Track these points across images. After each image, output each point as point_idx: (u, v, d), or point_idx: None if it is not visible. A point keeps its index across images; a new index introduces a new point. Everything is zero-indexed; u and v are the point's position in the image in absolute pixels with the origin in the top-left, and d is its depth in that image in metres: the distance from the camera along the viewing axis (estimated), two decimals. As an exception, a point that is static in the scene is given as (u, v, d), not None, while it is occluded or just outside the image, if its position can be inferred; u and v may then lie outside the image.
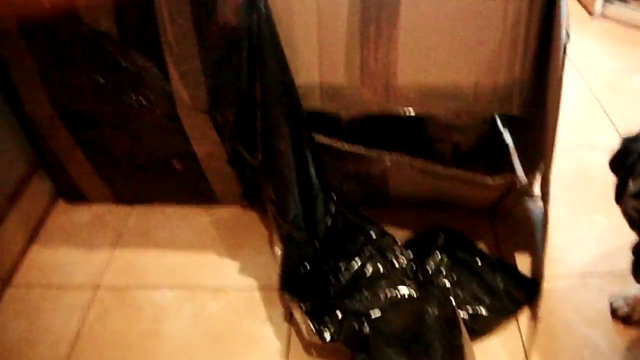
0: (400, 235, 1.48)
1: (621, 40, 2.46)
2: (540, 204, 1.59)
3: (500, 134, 1.43)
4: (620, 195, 1.01)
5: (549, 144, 1.20)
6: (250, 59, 1.23)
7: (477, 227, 1.54)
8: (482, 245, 1.48)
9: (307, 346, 1.29)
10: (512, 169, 1.34)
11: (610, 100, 2.09)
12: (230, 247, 1.53)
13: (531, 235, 1.53)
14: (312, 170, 1.29)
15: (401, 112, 1.30)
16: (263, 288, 1.42)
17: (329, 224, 1.35)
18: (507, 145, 1.44)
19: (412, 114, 1.30)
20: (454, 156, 1.42)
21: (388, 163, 1.32)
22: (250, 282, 1.44)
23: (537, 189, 1.55)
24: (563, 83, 1.16)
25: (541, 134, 1.25)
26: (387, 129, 1.39)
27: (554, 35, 1.15)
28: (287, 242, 1.25)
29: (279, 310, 1.37)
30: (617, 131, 1.94)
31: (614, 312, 1.37)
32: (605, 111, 2.04)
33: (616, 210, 1.62)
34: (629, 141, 1.00)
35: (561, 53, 1.08)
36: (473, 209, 1.48)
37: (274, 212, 1.26)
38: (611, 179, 1.76)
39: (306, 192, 1.28)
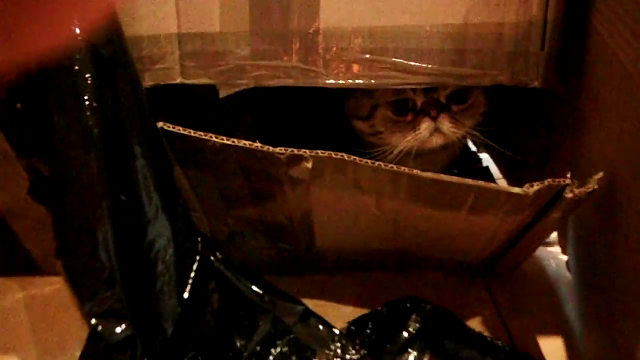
0: (339, 315, 0.85)
1: None
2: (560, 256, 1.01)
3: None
4: None
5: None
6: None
7: (466, 296, 0.93)
8: (480, 327, 0.87)
9: None
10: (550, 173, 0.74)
11: None
12: (43, 343, 0.87)
13: (554, 306, 0.93)
14: (153, 194, 0.65)
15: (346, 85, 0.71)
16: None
17: (188, 302, 0.71)
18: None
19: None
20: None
21: (309, 166, 0.69)
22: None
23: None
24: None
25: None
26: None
27: None
28: (89, 339, 0.62)
29: None
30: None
31: None
32: None
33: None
34: None
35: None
36: (458, 267, 0.88)
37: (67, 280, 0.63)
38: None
39: (135, 234, 0.65)
